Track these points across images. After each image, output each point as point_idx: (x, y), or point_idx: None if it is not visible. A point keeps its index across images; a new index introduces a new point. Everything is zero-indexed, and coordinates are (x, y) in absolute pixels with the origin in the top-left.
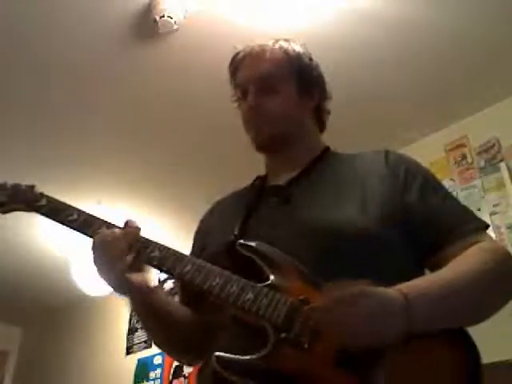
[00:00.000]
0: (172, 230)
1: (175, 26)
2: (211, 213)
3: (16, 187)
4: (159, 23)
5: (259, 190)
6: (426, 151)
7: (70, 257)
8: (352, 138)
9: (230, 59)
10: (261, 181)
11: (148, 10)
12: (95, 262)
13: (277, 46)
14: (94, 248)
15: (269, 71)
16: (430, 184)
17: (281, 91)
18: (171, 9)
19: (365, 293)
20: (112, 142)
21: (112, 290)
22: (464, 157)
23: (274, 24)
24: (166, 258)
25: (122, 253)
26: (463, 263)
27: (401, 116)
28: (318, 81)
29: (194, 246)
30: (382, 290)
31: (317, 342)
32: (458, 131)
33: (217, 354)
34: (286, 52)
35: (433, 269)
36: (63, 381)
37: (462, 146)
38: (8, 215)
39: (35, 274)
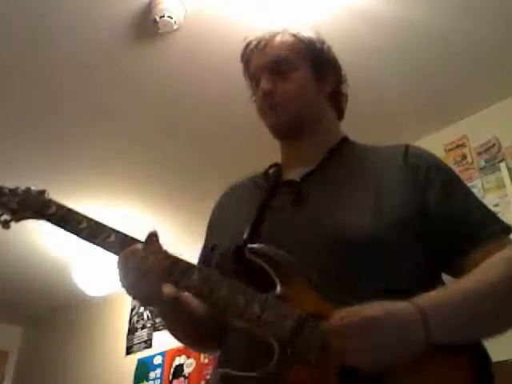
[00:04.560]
0: (170, 231)
1: (175, 26)
2: (221, 205)
3: (26, 193)
4: (159, 23)
5: (273, 185)
6: None
7: (70, 257)
8: (352, 139)
9: (239, 53)
10: (275, 172)
11: (148, 10)
12: (124, 280)
13: (287, 32)
14: (122, 266)
15: (280, 55)
16: (452, 183)
17: (295, 74)
18: (171, 9)
19: (380, 316)
20: (110, 142)
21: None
22: (464, 157)
23: (274, 24)
24: (173, 269)
25: (154, 272)
26: (482, 272)
27: (401, 116)
28: (332, 64)
29: (206, 241)
30: (396, 308)
31: (324, 359)
32: (458, 131)
33: (221, 371)
34: (296, 36)
35: (455, 274)
36: (63, 381)
37: (462, 145)
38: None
39: (35, 274)
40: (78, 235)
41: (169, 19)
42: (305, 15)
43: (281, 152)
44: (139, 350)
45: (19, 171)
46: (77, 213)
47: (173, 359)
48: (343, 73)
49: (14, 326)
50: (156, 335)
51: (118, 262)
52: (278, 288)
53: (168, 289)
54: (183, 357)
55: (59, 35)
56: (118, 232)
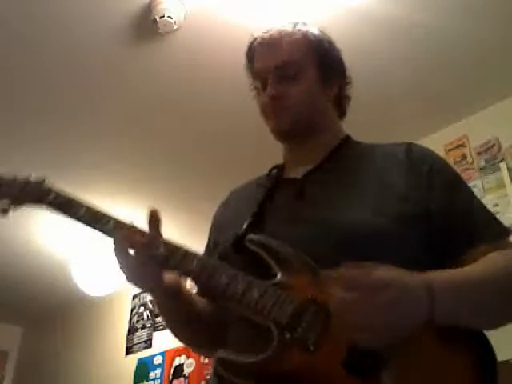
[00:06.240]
0: (171, 231)
1: (175, 26)
2: (226, 204)
3: (26, 182)
4: (159, 23)
5: (275, 182)
6: None
7: (70, 257)
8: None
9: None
10: (277, 172)
11: (148, 10)
12: (121, 267)
13: (295, 30)
14: (117, 253)
15: (288, 58)
16: (454, 183)
17: (301, 78)
18: (171, 9)
19: (386, 281)
20: (110, 142)
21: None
22: (464, 157)
23: (274, 24)
24: (172, 256)
25: (151, 258)
26: (484, 264)
27: (401, 116)
28: (339, 66)
29: (208, 241)
30: (404, 277)
31: (324, 343)
32: (458, 131)
33: (219, 355)
34: (305, 36)
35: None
36: (63, 381)
37: (462, 146)
38: (9, 215)
39: (35, 274)
40: (78, 220)
41: (169, 19)
42: (305, 15)
43: (283, 153)
44: (139, 350)
45: (19, 171)
46: (76, 200)
47: (173, 359)
48: (348, 74)
49: (14, 325)
50: (156, 335)
51: (114, 247)
52: (279, 276)
53: (169, 276)
54: (183, 357)
55: (58, 35)
56: (116, 219)
